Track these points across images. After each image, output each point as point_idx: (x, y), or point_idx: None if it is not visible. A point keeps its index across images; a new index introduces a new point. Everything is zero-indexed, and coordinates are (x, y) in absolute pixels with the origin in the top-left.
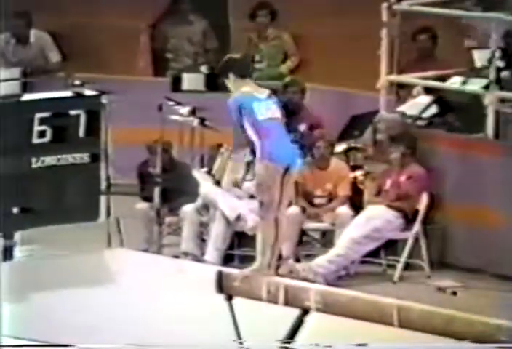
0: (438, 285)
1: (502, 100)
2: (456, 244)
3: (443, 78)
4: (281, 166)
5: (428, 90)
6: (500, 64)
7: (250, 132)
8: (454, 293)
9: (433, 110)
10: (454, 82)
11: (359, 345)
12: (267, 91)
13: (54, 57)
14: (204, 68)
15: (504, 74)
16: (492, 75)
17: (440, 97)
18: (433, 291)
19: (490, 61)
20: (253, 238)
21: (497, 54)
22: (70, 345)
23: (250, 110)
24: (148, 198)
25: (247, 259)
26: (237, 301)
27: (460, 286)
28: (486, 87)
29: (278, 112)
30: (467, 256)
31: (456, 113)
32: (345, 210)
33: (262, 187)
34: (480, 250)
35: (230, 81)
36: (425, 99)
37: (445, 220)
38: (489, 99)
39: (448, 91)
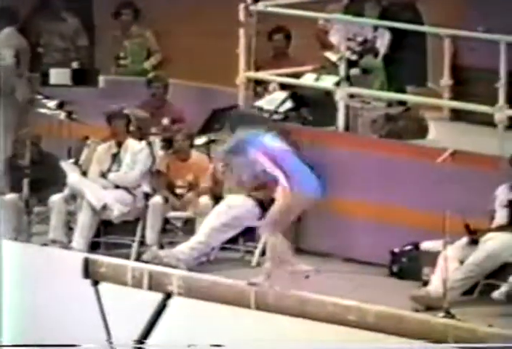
0: (291, 269)
1: (352, 96)
2: (309, 230)
3: (297, 75)
4: (309, 196)
5: (283, 86)
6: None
7: (268, 165)
8: (307, 276)
9: (289, 104)
10: (308, 79)
11: (215, 345)
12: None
13: None
14: (75, 64)
15: (353, 71)
16: (343, 72)
17: (294, 93)
18: (289, 275)
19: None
20: (118, 226)
21: (347, 54)
22: (71, 345)
23: (259, 142)
24: (17, 189)
25: (112, 247)
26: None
27: (312, 269)
28: (337, 84)
29: (283, 145)
30: (319, 241)
31: (310, 107)
32: (205, 200)
33: (286, 212)
34: (331, 235)
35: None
36: (281, 94)
37: None
38: (340, 95)
39: (302, 87)
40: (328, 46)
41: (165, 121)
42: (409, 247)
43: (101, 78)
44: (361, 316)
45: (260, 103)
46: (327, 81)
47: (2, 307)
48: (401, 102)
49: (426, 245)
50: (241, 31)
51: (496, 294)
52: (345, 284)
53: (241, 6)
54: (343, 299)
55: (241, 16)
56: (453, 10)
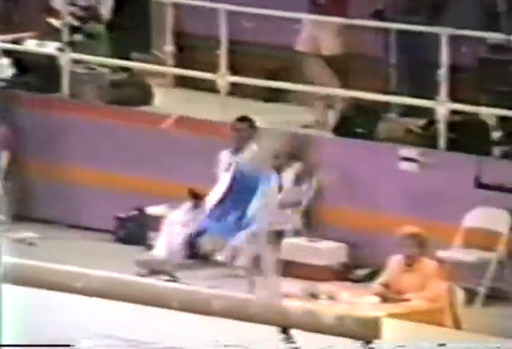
0: (16, 237)
1: (77, 62)
2: (35, 198)
3: (20, 41)
4: None
5: (6, 52)
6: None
7: None
8: (31, 243)
9: (12, 71)
10: (31, 44)
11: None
12: None
13: None
14: None
15: (77, 37)
16: (66, 38)
17: (18, 59)
18: (13, 243)
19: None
20: None
21: (70, 19)
22: (70, 345)
23: None
24: None
25: None
26: None
27: (37, 237)
28: (61, 50)
29: None
30: (43, 208)
31: (34, 73)
32: None
33: None
34: (55, 202)
35: None
36: (3, 61)
37: (26, 176)
38: (64, 61)
39: (26, 53)
40: (51, 12)
41: None
42: (133, 212)
43: None
44: (86, 283)
45: None
46: (50, 47)
47: None
48: (126, 69)
49: (151, 210)
50: None
51: (219, 256)
52: (70, 251)
53: None
54: (69, 266)
55: None
56: None
